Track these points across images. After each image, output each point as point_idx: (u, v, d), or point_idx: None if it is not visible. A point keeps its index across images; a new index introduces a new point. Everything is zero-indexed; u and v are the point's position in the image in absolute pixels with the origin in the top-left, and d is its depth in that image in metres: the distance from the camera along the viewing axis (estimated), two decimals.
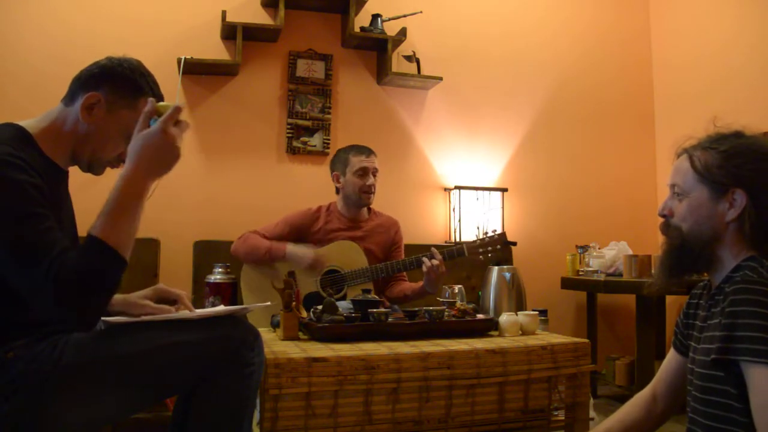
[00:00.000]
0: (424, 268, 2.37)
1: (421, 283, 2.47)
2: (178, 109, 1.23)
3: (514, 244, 2.64)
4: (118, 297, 1.44)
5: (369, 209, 2.68)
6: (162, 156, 1.21)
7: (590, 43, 3.79)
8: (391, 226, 2.68)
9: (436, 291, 2.43)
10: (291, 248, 2.45)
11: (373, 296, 2.01)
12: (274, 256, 2.45)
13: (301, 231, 2.58)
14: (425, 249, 2.44)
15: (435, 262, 2.35)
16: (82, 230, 1.45)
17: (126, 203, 1.17)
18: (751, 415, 1.06)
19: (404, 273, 2.61)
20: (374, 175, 2.57)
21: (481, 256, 2.42)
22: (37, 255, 1.09)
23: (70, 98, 1.35)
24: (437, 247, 2.43)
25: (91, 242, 1.13)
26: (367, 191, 2.55)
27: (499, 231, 2.47)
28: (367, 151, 2.59)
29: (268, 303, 1.87)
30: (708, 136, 1.26)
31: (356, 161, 2.56)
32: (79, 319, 1.13)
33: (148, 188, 1.21)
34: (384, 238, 2.63)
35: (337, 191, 2.64)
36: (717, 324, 1.14)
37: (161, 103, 1.28)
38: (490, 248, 2.41)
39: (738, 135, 1.23)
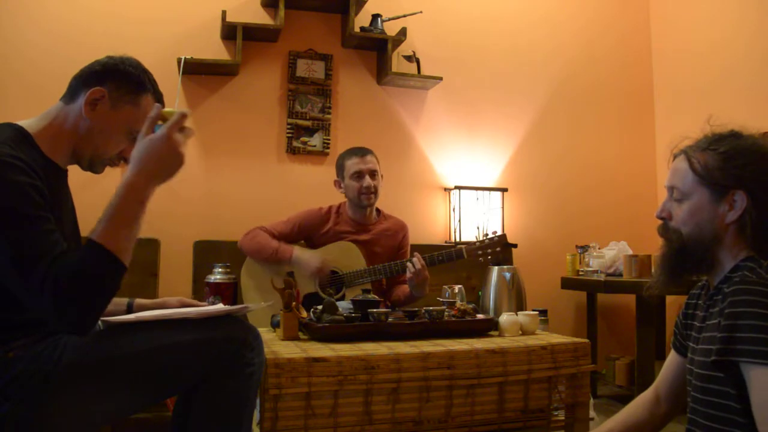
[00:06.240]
0: (408, 274, 2.37)
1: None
2: (183, 116, 1.23)
3: (515, 246, 2.59)
4: (156, 300, 1.56)
5: (378, 211, 2.67)
6: (165, 162, 1.21)
7: (589, 40, 3.79)
8: (399, 230, 2.66)
9: (423, 294, 2.44)
10: (297, 253, 2.45)
11: (372, 296, 2.00)
12: (281, 257, 2.45)
13: (309, 231, 2.57)
14: (425, 249, 2.44)
15: (417, 266, 2.34)
16: (84, 229, 1.45)
17: (127, 209, 1.17)
18: (750, 415, 1.06)
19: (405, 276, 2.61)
20: (372, 176, 2.54)
21: (480, 258, 2.41)
22: (36, 257, 1.09)
23: (70, 96, 1.35)
24: (437, 247, 2.43)
25: (91, 247, 1.12)
26: (366, 192, 2.52)
27: (499, 233, 2.44)
28: (361, 153, 2.56)
29: (271, 302, 1.86)
30: (705, 136, 1.25)
31: (350, 165, 2.54)
32: (75, 323, 1.11)
33: (150, 194, 1.21)
34: (391, 242, 2.62)
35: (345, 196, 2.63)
36: (716, 325, 1.14)
37: (167, 109, 1.28)
38: (489, 250, 2.40)
39: (736, 135, 1.23)
